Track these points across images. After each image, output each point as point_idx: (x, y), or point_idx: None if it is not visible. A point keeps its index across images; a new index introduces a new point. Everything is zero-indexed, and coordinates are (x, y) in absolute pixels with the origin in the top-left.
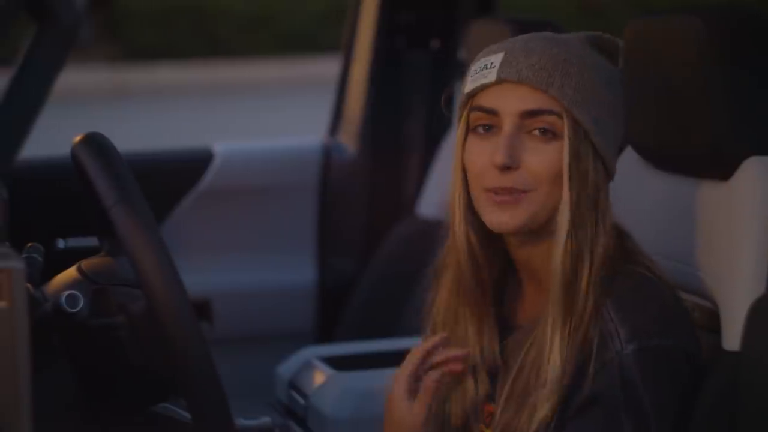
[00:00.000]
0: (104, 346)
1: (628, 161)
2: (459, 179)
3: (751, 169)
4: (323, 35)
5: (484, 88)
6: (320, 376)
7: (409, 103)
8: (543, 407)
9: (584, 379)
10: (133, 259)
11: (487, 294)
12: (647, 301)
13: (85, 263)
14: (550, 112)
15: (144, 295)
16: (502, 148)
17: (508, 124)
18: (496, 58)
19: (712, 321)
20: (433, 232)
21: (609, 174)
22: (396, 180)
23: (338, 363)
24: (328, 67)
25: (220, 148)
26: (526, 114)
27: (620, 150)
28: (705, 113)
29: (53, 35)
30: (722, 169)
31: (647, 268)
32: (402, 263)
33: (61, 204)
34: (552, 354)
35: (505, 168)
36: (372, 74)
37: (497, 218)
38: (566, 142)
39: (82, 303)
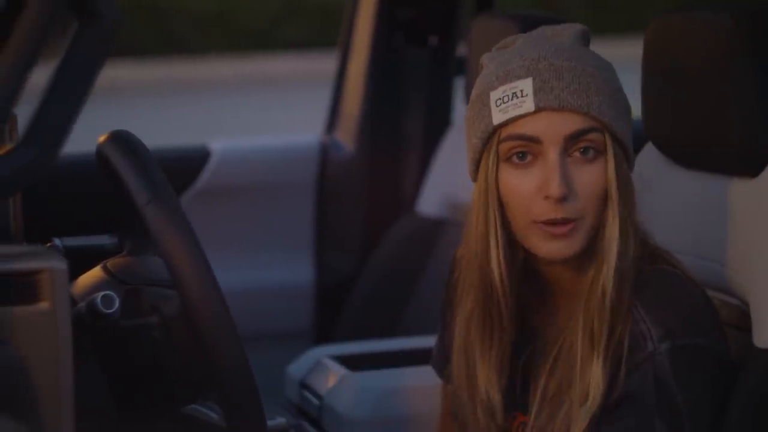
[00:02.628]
0: (137, 347)
1: (651, 159)
2: (495, 213)
3: None
4: (279, 32)
5: (518, 118)
6: (334, 376)
7: (408, 100)
8: (582, 421)
9: (616, 381)
10: (169, 258)
11: (511, 318)
12: (677, 301)
13: (110, 263)
14: (593, 130)
15: (178, 295)
16: (558, 179)
17: (553, 151)
18: (525, 84)
19: (741, 319)
20: (432, 230)
21: None
22: (394, 178)
23: (351, 363)
24: (284, 65)
25: (216, 146)
26: (570, 137)
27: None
28: (734, 110)
29: (95, 32)
30: (751, 165)
31: (673, 267)
32: (402, 261)
33: (56, 203)
34: (593, 370)
35: (562, 200)
36: (370, 71)
37: (556, 249)
38: (611, 159)
39: (117, 304)
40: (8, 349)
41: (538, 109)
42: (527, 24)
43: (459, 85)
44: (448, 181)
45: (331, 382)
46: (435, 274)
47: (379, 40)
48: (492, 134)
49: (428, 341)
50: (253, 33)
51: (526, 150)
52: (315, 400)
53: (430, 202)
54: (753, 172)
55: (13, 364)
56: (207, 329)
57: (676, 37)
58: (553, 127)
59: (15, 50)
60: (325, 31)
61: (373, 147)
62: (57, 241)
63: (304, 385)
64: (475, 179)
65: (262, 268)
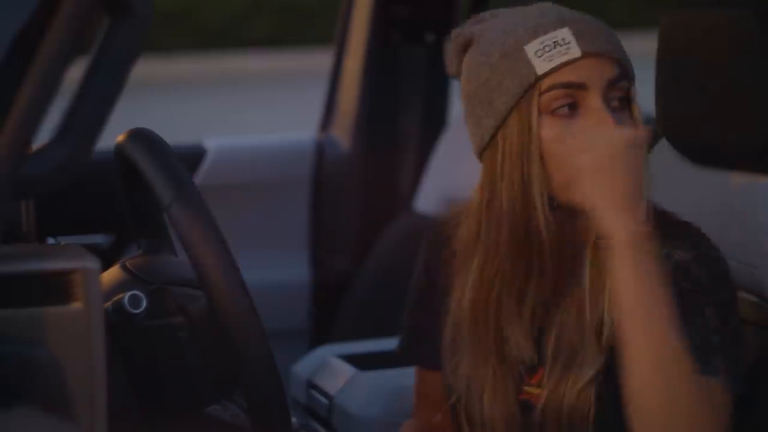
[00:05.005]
0: (162, 347)
1: (665, 156)
2: (537, 165)
3: None
4: (243, 30)
5: (564, 65)
6: (343, 375)
7: (404, 98)
8: (591, 367)
9: None
10: (196, 258)
11: (552, 265)
12: (700, 235)
13: (129, 263)
14: (625, 77)
15: (205, 295)
16: (614, 122)
17: (596, 97)
18: (564, 33)
19: (761, 316)
20: (431, 227)
21: None
22: (391, 175)
23: (358, 362)
24: (248, 63)
25: (212, 144)
26: (610, 83)
27: None
28: (755, 108)
29: (128, 29)
30: None
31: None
32: (400, 260)
33: (49, 202)
34: (600, 304)
35: None
36: (366, 68)
37: None
38: (635, 107)
39: (145, 304)
40: (43, 350)
41: (585, 54)
42: None
43: (456, 81)
44: (446, 179)
45: (341, 381)
46: None
47: (376, 37)
48: (531, 87)
49: None
50: (216, 31)
51: (573, 100)
52: (324, 400)
53: (428, 199)
54: None
55: (48, 364)
56: (235, 329)
57: (693, 33)
58: (598, 72)
59: (52, 49)
60: (289, 29)
61: (369, 144)
62: (51, 241)
63: (311, 385)
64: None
65: (257, 266)
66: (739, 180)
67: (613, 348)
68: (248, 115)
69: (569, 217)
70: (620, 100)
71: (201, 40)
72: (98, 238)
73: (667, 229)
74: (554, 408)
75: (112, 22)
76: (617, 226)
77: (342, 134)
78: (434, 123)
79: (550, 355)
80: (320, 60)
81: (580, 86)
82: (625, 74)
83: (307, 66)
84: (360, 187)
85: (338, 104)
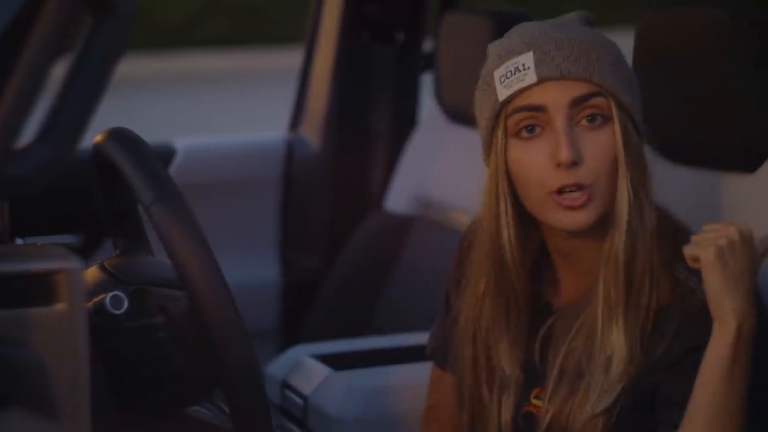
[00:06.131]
0: (144, 347)
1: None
2: (505, 190)
3: None
4: (198, 29)
5: (522, 91)
6: (318, 375)
7: (374, 97)
8: (609, 394)
9: (660, 343)
10: (177, 258)
11: (525, 296)
12: None
13: (108, 263)
14: (596, 95)
15: (186, 295)
16: (565, 144)
17: (559, 118)
18: (526, 58)
19: None
20: (401, 227)
21: None
22: (361, 174)
23: (333, 362)
24: (203, 63)
25: (181, 143)
26: (575, 102)
27: None
28: (731, 106)
29: (112, 27)
30: (749, 162)
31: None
32: (370, 259)
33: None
34: (613, 335)
35: (572, 164)
36: (336, 67)
37: (571, 219)
38: (616, 124)
39: (126, 304)
40: (27, 351)
41: (541, 80)
42: (497, 20)
43: (426, 81)
44: (416, 178)
45: (316, 381)
46: (404, 272)
47: (346, 36)
48: (499, 112)
49: (407, 339)
50: (171, 30)
51: (534, 122)
52: (299, 400)
53: (398, 199)
54: (750, 169)
55: (33, 365)
56: (217, 329)
57: (670, 32)
58: (557, 95)
59: (37, 46)
60: (245, 28)
61: (339, 143)
62: (19, 241)
63: (286, 385)
64: (487, 164)
65: (227, 267)
66: (713, 178)
67: (624, 389)
68: (208, 114)
69: (563, 240)
70: (597, 117)
71: (159, 40)
72: (68, 238)
73: (680, 251)
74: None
75: (95, 21)
76: (736, 307)
77: (312, 133)
78: (404, 122)
79: (556, 373)
80: (281, 59)
81: (540, 108)
82: (599, 92)
83: (267, 66)
84: (330, 186)
85: (308, 103)
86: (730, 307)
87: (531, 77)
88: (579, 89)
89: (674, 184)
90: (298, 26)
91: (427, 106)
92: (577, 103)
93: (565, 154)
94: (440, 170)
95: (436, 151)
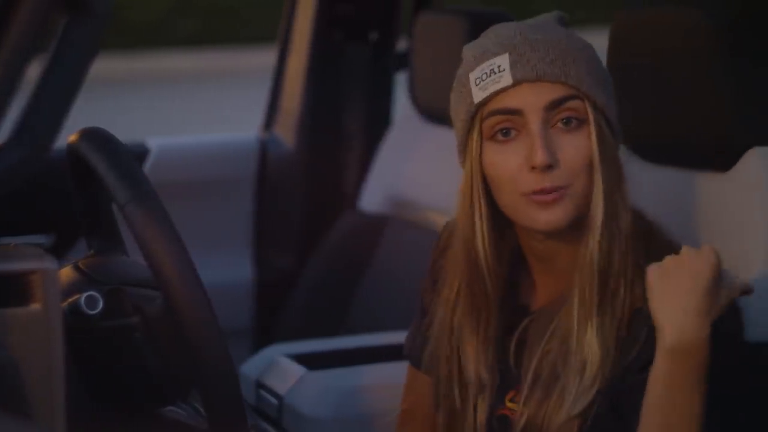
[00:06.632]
0: (119, 348)
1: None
2: (479, 192)
3: (753, 160)
4: (170, 28)
5: (497, 93)
6: (293, 375)
7: (348, 96)
8: (584, 397)
9: (633, 346)
10: (152, 257)
11: (497, 299)
12: None
13: (82, 263)
14: (572, 98)
15: (161, 294)
16: (540, 148)
17: (534, 121)
18: (502, 60)
19: None
20: (375, 226)
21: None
22: (335, 174)
23: (307, 361)
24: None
25: (154, 142)
26: (550, 105)
27: None
28: (705, 106)
29: (86, 27)
30: (723, 160)
31: (674, 240)
32: (344, 259)
33: None
34: (587, 338)
35: (547, 168)
36: (310, 66)
37: (545, 218)
38: (592, 126)
39: (101, 305)
40: (1, 351)
41: (516, 82)
42: (471, 19)
43: (399, 80)
44: (390, 178)
45: (291, 381)
46: (378, 272)
47: (319, 36)
48: (474, 114)
49: (382, 338)
50: (144, 29)
51: (509, 125)
52: (274, 400)
53: (372, 198)
54: (725, 167)
55: (8, 365)
56: (192, 329)
57: (643, 31)
58: (533, 98)
59: (11, 46)
60: (218, 28)
61: (313, 143)
62: None
63: (260, 385)
64: (463, 166)
65: (200, 266)
66: (687, 177)
67: (599, 392)
68: (181, 114)
69: (538, 242)
70: (573, 120)
71: (132, 39)
72: (41, 238)
73: (652, 252)
74: None
75: (69, 20)
76: (674, 320)
77: (285, 133)
78: (378, 122)
79: (530, 377)
80: (255, 59)
81: (515, 112)
82: (575, 94)
83: (241, 65)
84: (304, 185)
85: (282, 103)
86: (665, 319)
87: (506, 79)
88: (555, 92)
89: (648, 183)
90: (271, 26)
91: (401, 105)
92: (553, 106)
93: (540, 158)
94: (414, 170)
95: (410, 150)
